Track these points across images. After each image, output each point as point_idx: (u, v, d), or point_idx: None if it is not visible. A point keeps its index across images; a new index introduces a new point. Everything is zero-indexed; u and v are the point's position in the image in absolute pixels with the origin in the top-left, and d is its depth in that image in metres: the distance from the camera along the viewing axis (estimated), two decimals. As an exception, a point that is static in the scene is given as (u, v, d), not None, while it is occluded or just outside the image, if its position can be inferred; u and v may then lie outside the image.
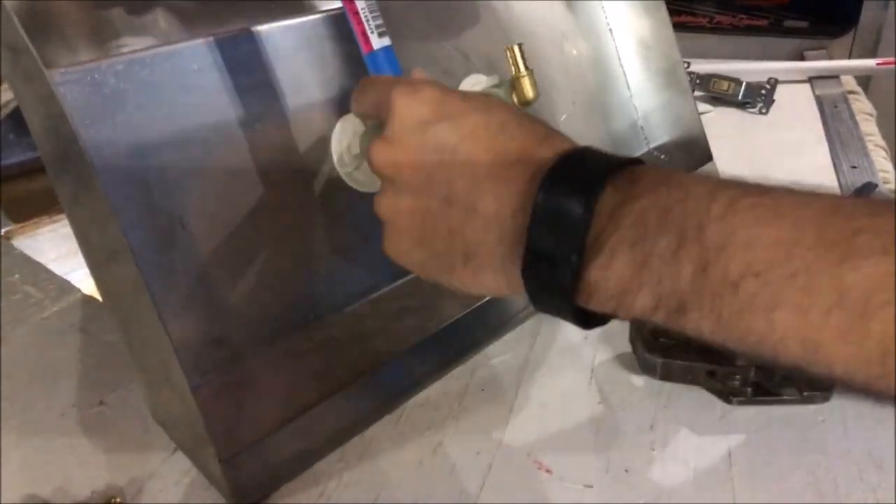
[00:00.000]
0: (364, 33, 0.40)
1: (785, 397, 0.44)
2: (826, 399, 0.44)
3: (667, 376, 0.46)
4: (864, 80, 1.04)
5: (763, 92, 0.89)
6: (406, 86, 0.34)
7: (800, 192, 0.26)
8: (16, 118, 0.75)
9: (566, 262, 0.28)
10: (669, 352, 0.46)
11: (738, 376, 0.44)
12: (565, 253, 0.28)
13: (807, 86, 0.96)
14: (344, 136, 0.44)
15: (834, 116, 0.87)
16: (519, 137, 0.32)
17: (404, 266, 0.36)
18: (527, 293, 0.31)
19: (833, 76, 0.98)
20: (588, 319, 0.30)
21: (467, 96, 0.34)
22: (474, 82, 0.50)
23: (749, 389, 0.44)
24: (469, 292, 0.34)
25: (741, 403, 0.44)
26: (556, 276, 0.29)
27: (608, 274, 0.28)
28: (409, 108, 0.33)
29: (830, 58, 1.13)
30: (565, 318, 0.31)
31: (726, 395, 0.45)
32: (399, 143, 0.34)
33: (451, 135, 0.32)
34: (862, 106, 0.90)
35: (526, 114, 0.34)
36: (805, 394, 0.44)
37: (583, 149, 0.31)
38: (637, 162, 0.30)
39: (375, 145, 0.35)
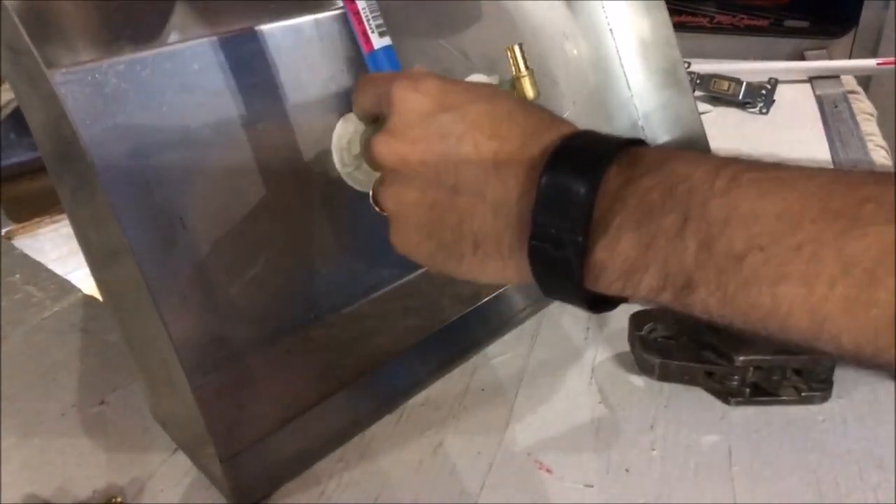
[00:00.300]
0: (365, 33, 0.40)
1: (783, 397, 0.44)
2: (825, 399, 0.44)
3: (665, 376, 0.46)
4: (865, 80, 1.04)
5: (763, 92, 0.89)
6: (406, 79, 0.34)
7: (805, 167, 0.26)
8: (16, 118, 0.75)
9: (572, 243, 0.28)
10: (667, 352, 0.46)
11: (736, 376, 0.44)
12: (571, 234, 0.28)
13: (807, 86, 0.96)
14: (344, 136, 0.44)
15: (834, 116, 0.87)
16: (524, 124, 0.32)
17: (412, 258, 0.36)
18: (534, 277, 0.31)
19: (833, 76, 0.98)
20: (597, 303, 0.30)
21: (469, 86, 0.35)
22: (475, 82, 0.50)
23: (747, 390, 0.44)
24: (478, 281, 0.34)
25: (739, 404, 0.44)
26: (562, 258, 0.29)
27: (614, 254, 0.28)
28: (410, 101, 0.34)
29: (831, 58, 1.13)
30: (573, 302, 0.31)
31: (724, 396, 0.45)
32: (403, 136, 0.34)
33: (456, 124, 0.32)
34: (862, 106, 0.90)
35: (531, 102, 0.34)
36: (804, 394, 0.44)
37: (585, 131, 0.31)
38: (640, 142, 0.30)
39: (378, 138, 0.35)
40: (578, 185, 0.28)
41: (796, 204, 0.24)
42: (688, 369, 0.45)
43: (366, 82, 0.39)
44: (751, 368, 0.44)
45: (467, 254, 0.33)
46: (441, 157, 0.32)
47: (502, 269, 0.32)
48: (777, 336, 0.26)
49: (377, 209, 0.38)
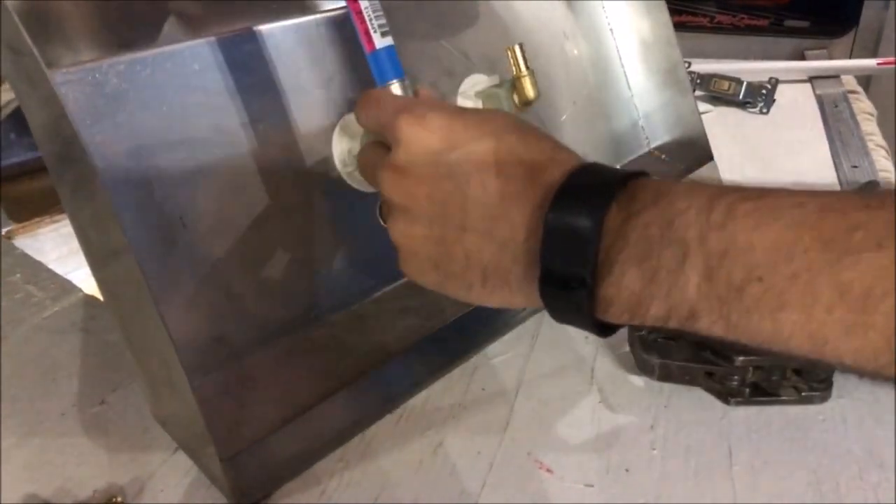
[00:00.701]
0: (367, 32, 0.40)
1: (783, 398, 0.44)
2: (825, 399, 0.44)
3: (665, 377, 0.46)
4: (865, 80, 1.04)
5: (764, 91, 0.89)
6: (411, 114, 0.35)
7: (797, 191, 0.27)
8: (17, 118, 0.75)
9: (580, 282, 0.29)
10: (667, 352, 0.46)
11: (735, 377, 0.44)
12: (578, 273, 0.29)
13: (807, 85, 0.96)
14: (345, 137, 0.44)
15: (834, 116, 0.87)
16: (528, 160, 0.32)
17: (422, 285, 0.37)
18: (545, 308, 0.32)
19: (834, 76, 0.98)
20: (606, 327, 0.32)
21: (472, 119, 0.35)
22: (475, 82, 0.50)
23: (747, 390, 0.44)
24: (487, 306, 0.35)
25: (739, 404, 0.44)
26: (571, 295, 0.30)
27: (620, 289, 0.29)
28: (417, 138, 0.34)
29: (831, 57, 1.13)
30: (584, 328, 0.32)
31: (724, 396, 0.45)
32: (409, 173, 0.34)
33: (463, 163, 0.33)
34: (862, 105, 0.90)
35: (532, 130, 0.34)
36: (803, 394, 0.44)
37: (585, 167, 0.32)
38: (639, 174, 0.31)
39: (385, 175, 0.35)
40: (582, 224, 0.29)
41: (790, 234, 0.25)
42: (688, 369, 0.45)
43: (370, 104, 0.39)
44: (750, 368, 0.44)
45: (476, 285, 0.34)
46: (448, 197, 0.33)
47: (510, 297, 0.34)
48: (782, 354, 0.27)
49: (382, 223, 0.39)
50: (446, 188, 0.33)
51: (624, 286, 0.29)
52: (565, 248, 0.30)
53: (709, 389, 0.46)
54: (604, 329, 0.31)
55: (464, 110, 0.37)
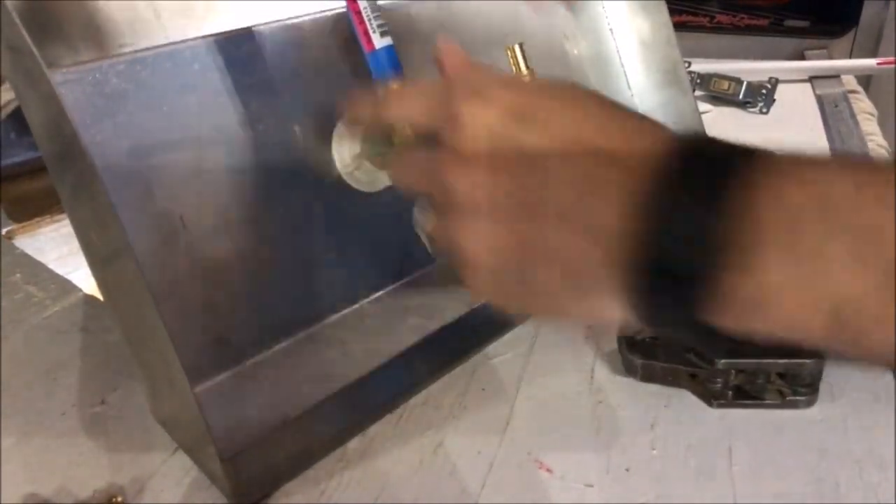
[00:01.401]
0: (366, 32, 0.40)
1: (767, 401, 0.44)
2: (810, 404, 0.44)
3: (648, 378, 0.46)
4: (865, 80, 1.04)
5: (764, 91, 0.89)
6: (469, 88, 0.29)
7: None
8: (17, 118, 0.75)
9: (694, 273, 0.24)
10: (652, 353, 0.45)
11: (718, 379, 0.44)
12: (695, 263, 0.24)
13: (807, 85, 0.96)
14: (346, 137, 0.44)
15: (835, 116, 0.87)
16: (615, 132, 0.27)
17: (495, 303, 0.31)
18: (644, 312, 0.26)
19: (834, 76, 0.98)
20: (710, 334, 0.26)
21: (542, 88, 0.30)
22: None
23: (730, 392, 0.44)
24: (570, 320, 0.32)
25: (721, 406, 0.44)
26: (682, 290, 0.25)
27: (747, 280, 0.24)
28: (480, 116, 0.28)
29: (831, 57, 1.13)
30: (688, 336, 0.28)
31: (707, 398, 0.44)
32: (479, 161, 0.28)
33: (541, 140, 0.28)
34: (863, 105, 0.90)
35: (607, 98, 0.29)
36: (788, 398, 0.43)
37: (695, 140, 0.26)
38: (751, 148, 0.26)
39: (450, 168, 0.29)
40: (699, 204, 0.24)
41: None
42: (671, 371, 0.45)
43: (401, 96, 0.34)
44: (733, 371, 0.43)
45: (560, 293, 0.28)
46: (529, 184, 0.27)
47: (602, 305, 0.28)
48: None
49: (433, 249, 0.34)
50: (525, 174, 0.28)
51: (752, 276, 0.23)
52: (679, 235, 0.24)
53: (693, 391, 0.45)
54: (710, 334, 0.26)
55: (525, 80, 0.31)
